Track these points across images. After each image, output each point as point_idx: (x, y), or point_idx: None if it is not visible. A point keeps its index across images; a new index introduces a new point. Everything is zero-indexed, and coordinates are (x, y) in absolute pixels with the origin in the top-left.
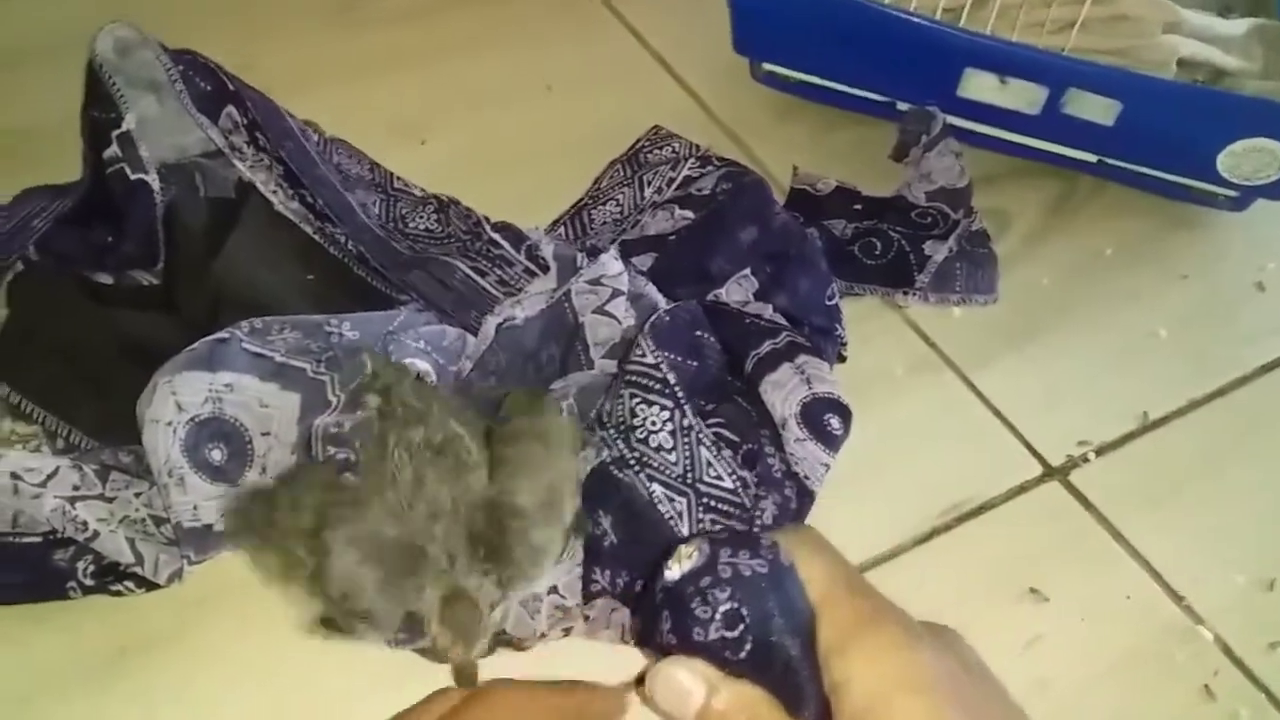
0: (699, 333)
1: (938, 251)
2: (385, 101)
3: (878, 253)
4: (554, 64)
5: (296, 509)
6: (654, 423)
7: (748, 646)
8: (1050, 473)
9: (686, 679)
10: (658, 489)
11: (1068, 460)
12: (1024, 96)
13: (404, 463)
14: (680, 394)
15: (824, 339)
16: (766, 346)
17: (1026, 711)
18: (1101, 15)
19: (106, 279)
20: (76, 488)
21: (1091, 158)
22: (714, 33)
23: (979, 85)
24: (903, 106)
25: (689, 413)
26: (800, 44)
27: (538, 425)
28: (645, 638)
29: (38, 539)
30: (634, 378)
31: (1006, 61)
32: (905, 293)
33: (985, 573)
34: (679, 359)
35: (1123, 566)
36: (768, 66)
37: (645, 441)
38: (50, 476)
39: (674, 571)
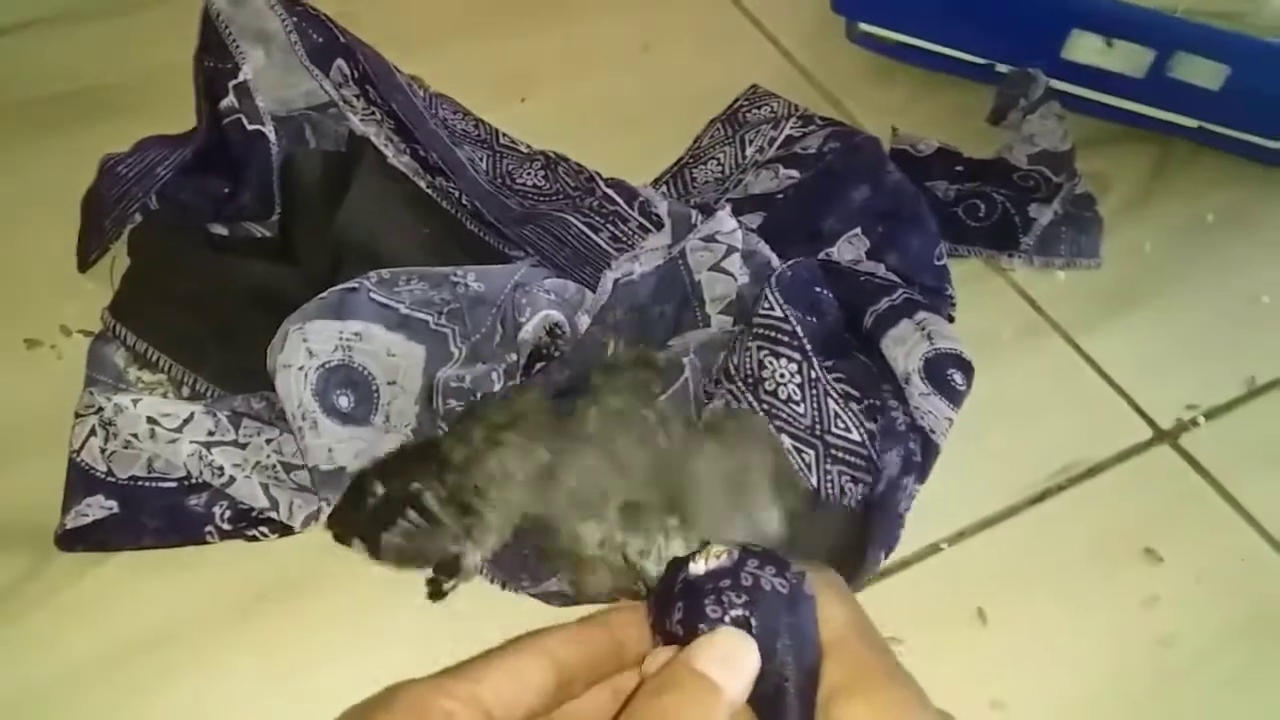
0: (818, 289)
1: (1043, 214)
2: (484, 59)
3: (981, 215)
4: (650, 25)
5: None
6: (783, 375)
7: None
8: (1160, 436)
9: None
10: (787, 440)
11: (1177, 424)
12: (1130, 59)
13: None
14: (808, 346)
15: (935, 298)
16: (884, 303)
17: (1152, 666)
18: None
19: (221, 230)
20: (211, 433)
21: (1192, 123)
22: None
23: (1085, 47)
24: (1003, 69)
25: (816, 365)
26: (902, 4)
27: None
28: (656, 623)
29: (173, 484)
30: (761, 330)
31: (1116, 22)
32: (1010, 255)
33: (1100, 533)
34: (800, 315)
35: (1236, 529)
36: (864, 27)
37: (774, 394)
38: (186, 422)
39: (699, 566)
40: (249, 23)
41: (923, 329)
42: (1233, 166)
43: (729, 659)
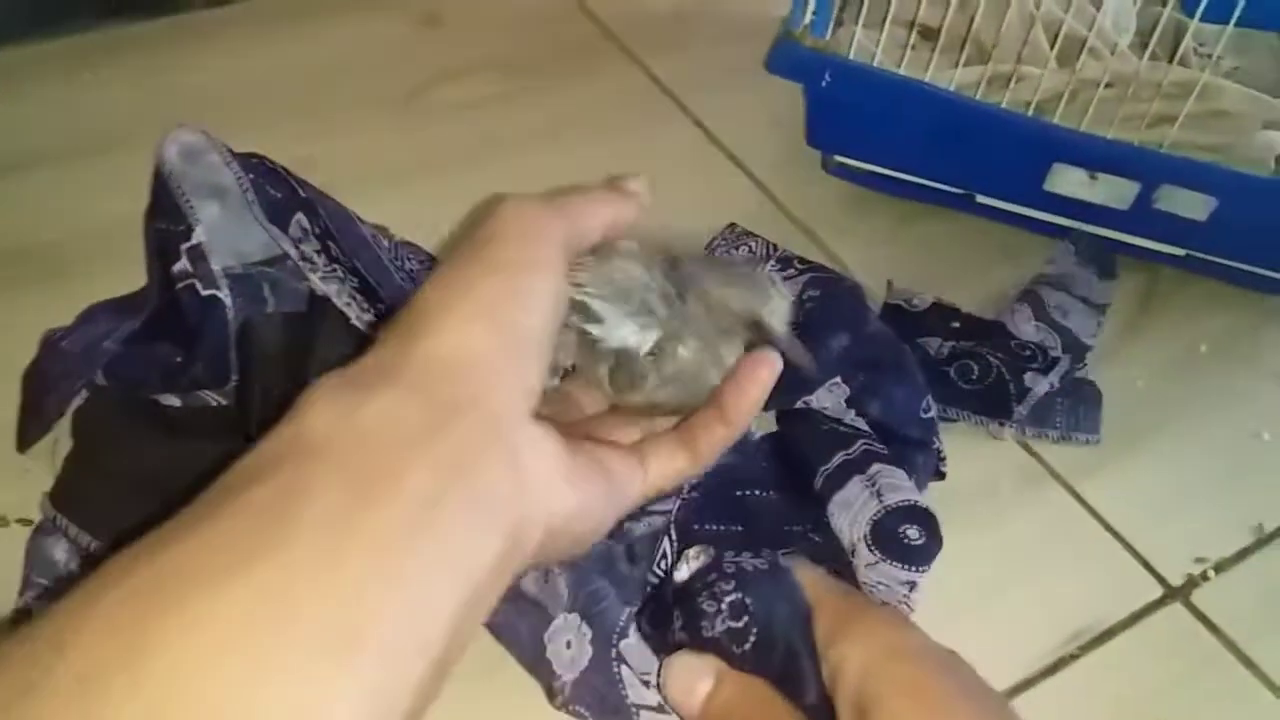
0: (739, 492)
1: (1038, 384)
2: (452, 196)
3: (974, 377)
4: (621, 157)
5: None
6: None
7: (753, 635)
8: (1171, 593)
9: (696, 666)
10: None
11: (1188, 580)
12: (1114, 192)
13: None
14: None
15: (919, 452)
16: (838, 459)
17: None
18: (1200, 111)
19: (174, 400)
20: None
21: (1179, 251)
22: (780, 124)
23: (1067, 180)
24: (983, 200)
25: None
26: (881, 137)
27: None
28: (659, 645)
29: None
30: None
31: (1098, 156)
32: (1000, 423)
33: (1117, 707)
34: (719, 528)
35: (1255, 695)
36: (840, 159)
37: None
38: None
39: (682, 572)
40: (203, 178)
41: (873, 485)
42: (1222, 293)
43: None
